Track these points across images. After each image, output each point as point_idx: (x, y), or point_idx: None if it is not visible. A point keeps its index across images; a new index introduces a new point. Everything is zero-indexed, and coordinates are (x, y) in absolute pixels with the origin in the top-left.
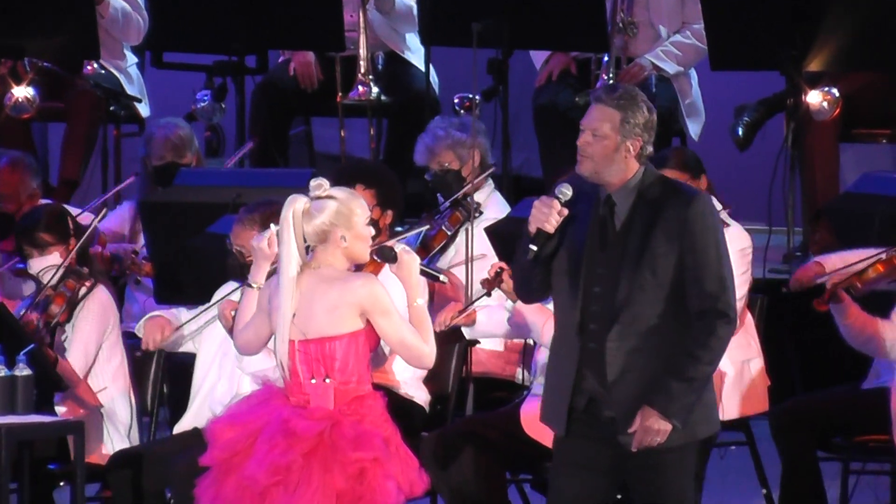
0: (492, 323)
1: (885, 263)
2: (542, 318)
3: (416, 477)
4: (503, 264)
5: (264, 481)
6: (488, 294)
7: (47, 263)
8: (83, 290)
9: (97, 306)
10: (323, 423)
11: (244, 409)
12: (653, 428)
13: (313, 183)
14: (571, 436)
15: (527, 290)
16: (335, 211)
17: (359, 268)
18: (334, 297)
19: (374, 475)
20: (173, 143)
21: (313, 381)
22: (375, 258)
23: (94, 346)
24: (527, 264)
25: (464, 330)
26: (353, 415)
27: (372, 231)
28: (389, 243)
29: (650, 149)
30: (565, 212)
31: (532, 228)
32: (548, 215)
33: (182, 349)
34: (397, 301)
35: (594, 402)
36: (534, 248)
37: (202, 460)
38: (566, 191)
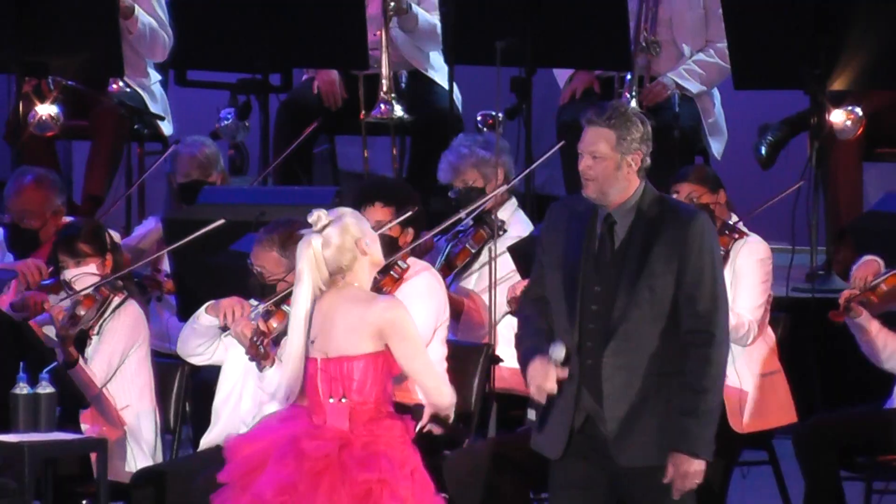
0: None
1: None
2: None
3: (430, 502)
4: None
5: (271, 500)
6: (514, 314)
7: (82, 272)
8: (115, 301)
9: (128, 319)
10: (332, 444)
11: (264, 427)
12: (689, 472)
13: (312, 218)
14: (568, 456)
15: None
16: (344, 227)
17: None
18: (355, 318)
19: (379, 496)
20: (199, 161)
21: (331, 399)
22: (433, 423)
23: (118, 357)
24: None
25: None
26: (367, 435)
27: (417, 317)
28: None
29: (649, 160)
30: (563, 374)
31: (533, 391)
32: (545, 381)
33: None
34: (419, 320)
35: (591, 420)
36: (532, 410)
37: (220, 476)
38: (560, 352)
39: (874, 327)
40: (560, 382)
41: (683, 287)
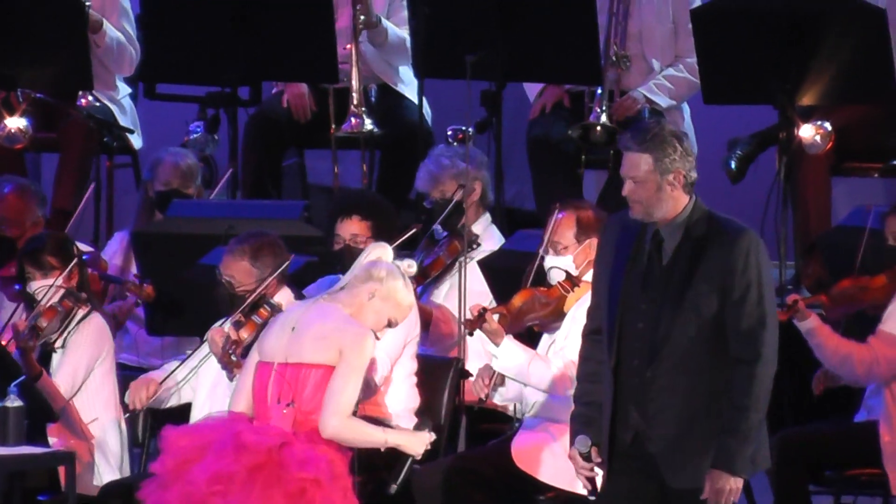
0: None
1: (852, 280)
2: (527, 359)
3: None
4: (485, 305)
5: (205, 489)
6: (470, 334)
7: (47, 284)
8: (79, 314)
9: (92, 331)
10: (274, 440)
11: (204, 424)
12: (724, 489)
13: (407, 261)
14: (615, 472)
15: None
16: (391, 282)
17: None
18: (327, 330)
19: (313, 496)
20: (182, 171)
21: (279, 403)
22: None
23: (83, 370)
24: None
25: (496, 397)
26: (307, 441)
27: (387, 333)
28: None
29: (694, 174)
30: (597, 461)
31: (584, 484)
32: (587, 472)
33: (172, 402)
34: (389, 335)
35: (639, 437)
36: (592, 498)
37: (153, 466)
38: (587, 442)
39: (824, 333)
40: (604, 397)
41: (729, 306)
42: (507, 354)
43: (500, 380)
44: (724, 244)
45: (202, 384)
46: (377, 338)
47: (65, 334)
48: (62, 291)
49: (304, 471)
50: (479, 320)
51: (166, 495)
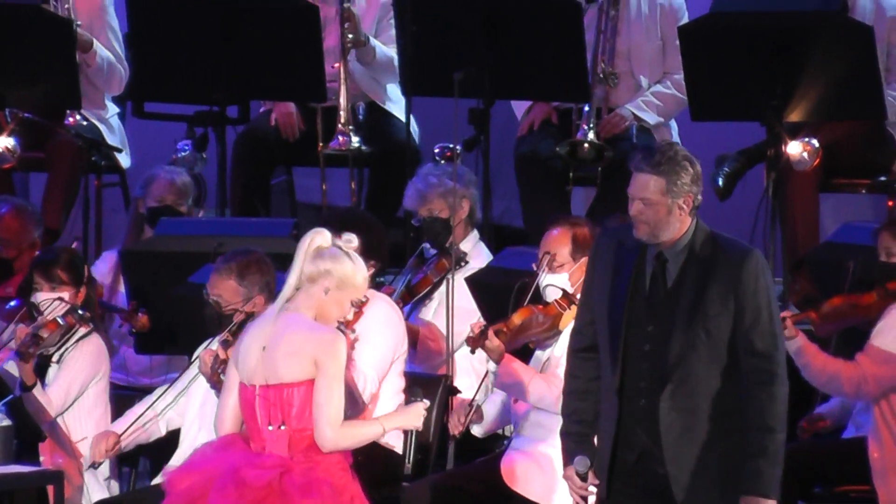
0: (496, 411)
1: (843, 297)
2: (527, 377)
3: None
4: (485, 322)
5: None
6: (472, 352)
7: (53, 297)
8: (81, 332)
9: (91, 350)
10: (273, 472)
11: (201, 458)
12: None
13: (346, 236)
14: (616, 493)
15: None
16: (341, 266)
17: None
18: (296, 344)
19: None
20: (177, 188)
21: (270, 427)
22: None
23: (77, 387)
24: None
25: (474, 429)
26: (307, 462)
27: (352, 314)
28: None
29: (700, 198)
30: (595, 482)
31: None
32: (581, 493)
33: (160, 433)
34: (377, 351)
35: (646, 456)
36: None
37: None
38: (586, 461)
39: (811, 352)
40: (605, 418)
41: (741, 327)
42: (508, 372)
43: (478, 416)
44: (733, 266)
45: (191, 405)
46: (350, 328)
47: (62, 349)
48: (67, 307)
49: (307, 497)
50: (481, 338)
51: None
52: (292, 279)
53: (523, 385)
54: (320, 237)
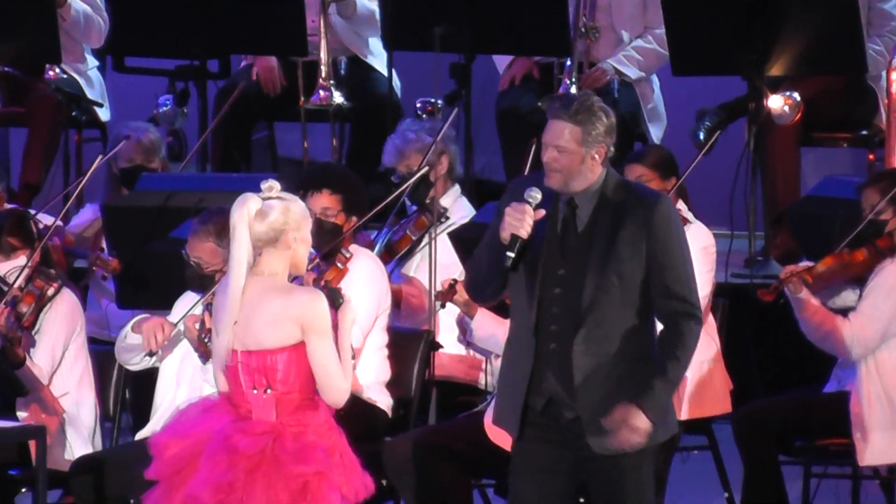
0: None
1: (835, 257)
2: (502, 330)
3: (360, 483)
4: (456, 277)
5: (208, 499)
6: (443, 306)
7: (13, 266)
8: (51, 291)
9: (65, 308)
10: (264, 439)
11: (187, 421)
12: (638, 427)
13: (265, 185)
14: (529, 440)
15: (482, 293)
16: (289, 210)
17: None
18: (276, 310)
19: (317, 488)
20: (144, 147)
21: (255, 391)
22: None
23: (60, 348)
24: (494, 270)
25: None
26: (296, 426)
27: (359, 305)
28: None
29: (613, 149)
30: (540, 213)
31: (506, 235)
32: (522, 221)
33: (141, 364)
34: (361, 308)
35: (553, 403)
36: (511, 254)
37: (147, 474)
38: (536, 195)
39: (812, 307)
40: (516, 361)
41: (654, 270)
42: (482, 325)
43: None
44: (644, 208)
45: (168, 364)
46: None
47: (39, 315)
48: (30, 272)
49: (302, 464)
50: (450, 293)
51: None
52: (244, 251)
53: (499, 338)
54: (252, 201)
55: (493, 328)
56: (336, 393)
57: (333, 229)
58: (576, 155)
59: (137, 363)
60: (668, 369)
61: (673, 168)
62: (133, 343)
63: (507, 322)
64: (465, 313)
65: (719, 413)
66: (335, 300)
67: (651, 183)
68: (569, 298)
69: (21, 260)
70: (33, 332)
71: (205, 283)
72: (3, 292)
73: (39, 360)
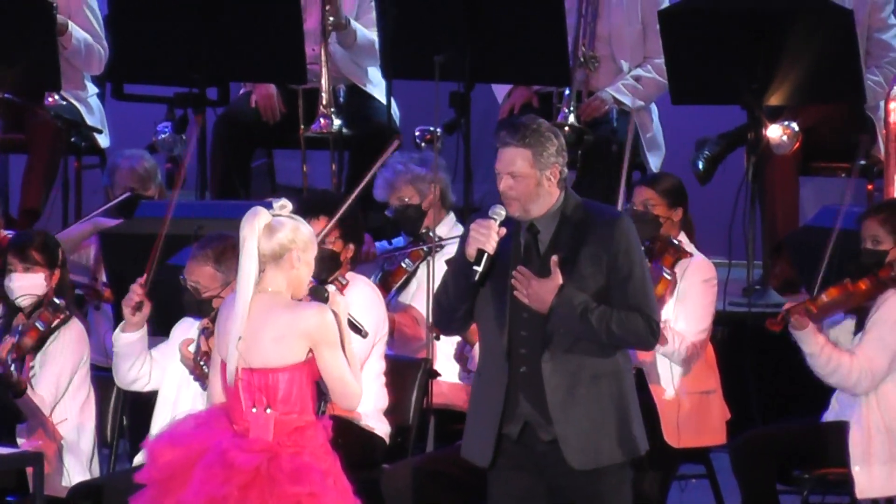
0: None
1: (840, 288)
2: None
3: None
4: None
5: None
6: (437, 338)
7: (29, 283)
8: (56, 322)
9: (72, 339)
10: (261, 456)
11: (185, 431)
12: (540, 294)
13: (277, 203)
14: (502, 468)
15: (450, 322)
16: (298, 230)
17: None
18: (282, 326)
19: None
20: (139, 175)
21: (254, 410)
22: (307, 296)
23: (65, 379)
24: (457, 292)
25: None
26: (293, 446)
27: (313, 266)
28: (332, 287)
29: (566, 170)
30: (503, 231)
31: (472, 251)
32: (487, 236)
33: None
34: (367, 320)
35: (529, 427)
36: (478, 269)
37: (138, 477)
38: (501, 211)
39: (819, 342)
40: (488, 388)
41: (615, 284)
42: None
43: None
44: (603, 227)
45: (166, 390)
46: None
47: (44, 346)
48: (37, 300)
49: (297, 484)
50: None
51: None
52: (251, 263)
53: None
54: (262, 216)
55: None
56: (351, 399)
57: (331, 256)
58: (530, 179)
59: (139, 378)
60: (600, 317)
61: (682, 199)
62: (123, 343)
63: None
64: (465, 341)
65: (715, 444)
66: (320, 297)
67: (656, 209)
68: (535, 321)
69: (38, 278)
70: (36, 358)
71: (202, 308)
72: (12, 311)
73: (42, 390)
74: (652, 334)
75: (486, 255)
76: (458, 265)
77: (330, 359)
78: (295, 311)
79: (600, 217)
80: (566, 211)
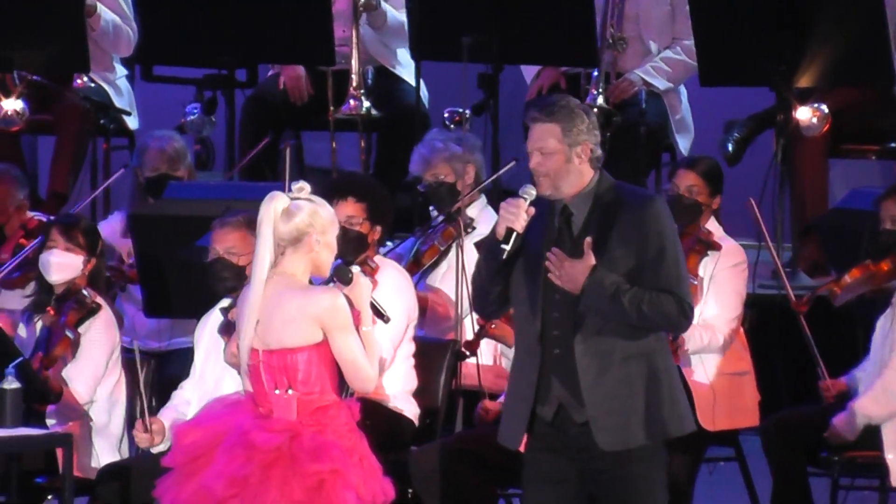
0: None
1: (862, 269)
2: None
3: (379, 487)
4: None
5: (221, 493)
6: (472, 354)
7: (68, 261)
8: (84, 316)
9: (102, 328)
10: (282, 436)
11: (210, 413)
12: (571, 273)
13: (296, 185)
14: (536, 450)
15: (485, 304)
16: (316, 213)
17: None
18: (294, 309)
19: (332, 486)
20: (168, 155)
21: (277, 391)
22: (332, 276)
23: (102, 368)
24: (488, 274)
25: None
26: (315, 425)
27: (335, 247)
28: (355, 268)
29: (599, 151)
30: (532, 210)
31: (501, 229)
32: (517, 215)
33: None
34: (393, 312)
35: (563, 410)
36: (506, 247)
37: (164, 461)
38: (531, 191)
39: (862, 408)
40: (523, 371)
41: (645, 265)
42: None
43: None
44: (635, 208)
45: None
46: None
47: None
48: (69, 283)
49: (318, 462)
50: (482, 333)
51: (181, 494)
52: (268, 247)
53: None
54: (280, 199)
55: None
56: (364, 382)
57: (358, 237)
58: (559, 154)
59: None
60: (631, 298)
61: (720, 184)
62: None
63: None
64: (503, 344)
65: (748, 425)
66: (344, 277)
67: (700, 195)
68: (568, 303)
69: (77, 259)
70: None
71: (239, 278)
72: (43, 290)
73: (79, 386)
74: (684, 316)
75: (514, 234)
76: (489, 245)
77: (341, 342)
78: (307, 295)
79: (633, 199)
80: (599, 192)
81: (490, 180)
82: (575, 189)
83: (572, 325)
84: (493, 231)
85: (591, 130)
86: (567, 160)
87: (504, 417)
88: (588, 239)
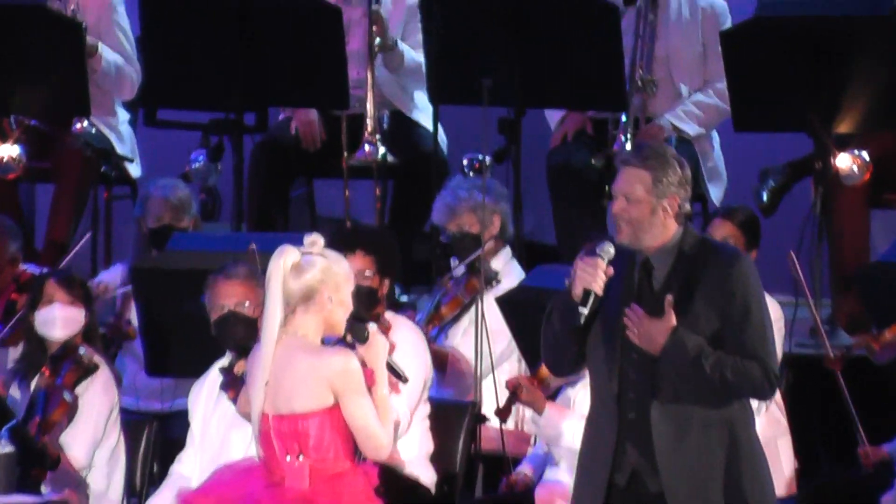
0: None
1: None
2: (568, 423)
3: None
4: (516, 380)
5: None
6: (503, 421)
7: (73, 315)
8: (82, 376)
9: (100, 391)
10: None
11: (219, 481)
12: (651, 333)
13: (308, 239)
14: None
15: (561, 364)
16: (329, 269)
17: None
18: (304, 372)
19: None
20: (172, 205)
21: (288, 458)
22: (347, 334)
23: (100, 432)
24: (564, 336)
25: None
26: (330, 494)
27: (350, 304)
28: (371, 325)
29: (688, 206)
30: (611, 271)
31: (578, 290)
32: (594, 276)
33: None
34: (410, 372)
35: (637, 476)
36: (584, 310)
37: None
38: (610, 249)
39: None
40: (599, 433)
41: (730, 328)
42: (552, 422)
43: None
44: (722, 265)
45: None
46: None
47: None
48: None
49: None
50: (513, 399)
51: None
52: (277, 306)
53: (564, 434)
54: (290, 254)
55: (560, 424)
56: (377, 450)
57: (369, 292)
58: (645, 204)
59: None
60: (714, 364)
61: (758, 236)
62: None
63: (572, 413)
64: (534, 410)
65: (786, 495)
66: (360, 335)
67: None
68: (646, 363)
69: (80, 313)
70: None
71: (248, 333)
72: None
73: (77, 452)
74: (769, 384)
75: (592, 296)
76: (564, 305)
77: (353, 408)
78: (318, 357)
79: (719, 255)
80: (684, 247)
81: (463, 264)
82: (656, 242)
83: (649, 388)
84: (569, 290)
85: (682, 184)
86: (652, 211)
87: (578, 482)
88: (669, 297)
